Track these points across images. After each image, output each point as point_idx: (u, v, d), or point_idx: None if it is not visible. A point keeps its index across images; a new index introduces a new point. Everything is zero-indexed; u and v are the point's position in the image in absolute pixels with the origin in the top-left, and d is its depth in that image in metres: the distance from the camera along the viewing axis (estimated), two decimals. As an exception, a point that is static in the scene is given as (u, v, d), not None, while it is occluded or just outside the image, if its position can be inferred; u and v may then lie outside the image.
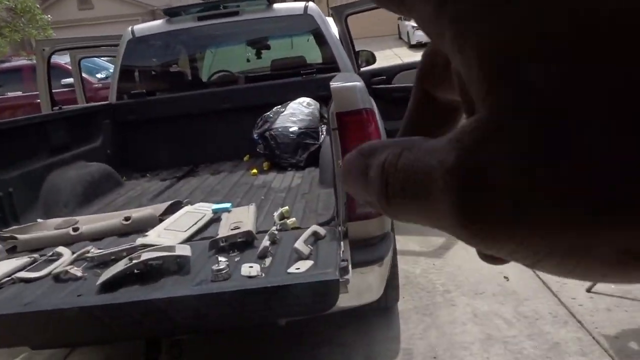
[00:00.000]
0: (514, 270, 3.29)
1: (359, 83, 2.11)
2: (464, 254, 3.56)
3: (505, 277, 3.21)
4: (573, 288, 3.00)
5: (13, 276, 2.00)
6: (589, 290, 2.96)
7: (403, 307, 2.99)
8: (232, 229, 2.12)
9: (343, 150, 2.04)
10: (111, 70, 10.15)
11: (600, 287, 2.94)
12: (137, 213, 2.48)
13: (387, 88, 4.21)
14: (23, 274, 2.01)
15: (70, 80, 8.16)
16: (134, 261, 1.84)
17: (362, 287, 2.03)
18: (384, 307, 2.85)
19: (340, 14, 4.32)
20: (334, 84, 2.07)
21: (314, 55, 4.31)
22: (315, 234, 2.01)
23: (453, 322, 2.80)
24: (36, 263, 2.13)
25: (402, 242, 3.86)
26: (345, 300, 1.79)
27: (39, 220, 2.65)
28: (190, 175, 3.63)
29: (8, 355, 2.93)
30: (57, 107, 4.46)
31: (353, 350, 2.65)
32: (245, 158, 3.91)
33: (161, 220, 2.43)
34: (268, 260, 1.86)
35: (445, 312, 2.91)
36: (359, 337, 2.74)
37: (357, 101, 2.04)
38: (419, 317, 2.89)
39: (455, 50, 0.16)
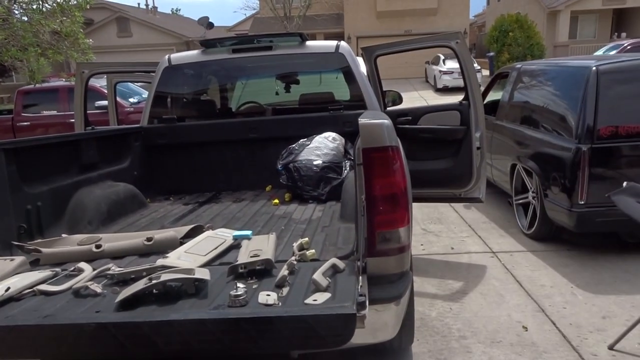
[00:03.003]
0: (533, 320, 3.21)
1: (386, 121, 2.14)
2: (481, 301, 3.49)
3: (524, 327, 3.12)
4: (594, 344, 2.91)
5: (34, 288, 2.03)
6: (611, 348, 2.86)
7: (417, 350, 2.92)
8: (251, 256, 2.13)
9: (367, 186, 2.05)
10: (143, 95, 10.49)
11: (623, 345, 2.84)
12: (159, 234, 2.51)
13: (413, 128, 4.24)
14: (44, 287, 2.04)
15: (103, 102, 8.44)
16: (154, 281, 1.86)
17: (377, 325, 2.00)
18: (397, 348, 2.79)
19: (370, 54, 4.41)
20: (362, 120, 2.10)
21: (341, 92, 4.38)
22: (334, 266, 2.00)
23: (468, 370, 2.73)
24: (57, 277, 2.16)
25: (419, 283, 3.81)
26: (359, 337, 1.76)
27: (63, 235, 2.70)
28: (212, 201, 3.68)
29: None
30: (89, 128, 4.60)
31: (364, 390, 2.59)
32: (267, 188, 3.96)
33: (182, 243, 2.45)
34: (285, 290, 1.86)
35: (459, 359, 2.84)
36: (370, 377, 2.68)
37: (384, 138, 2.06)
38: (433, 361, 2.82)
39: None
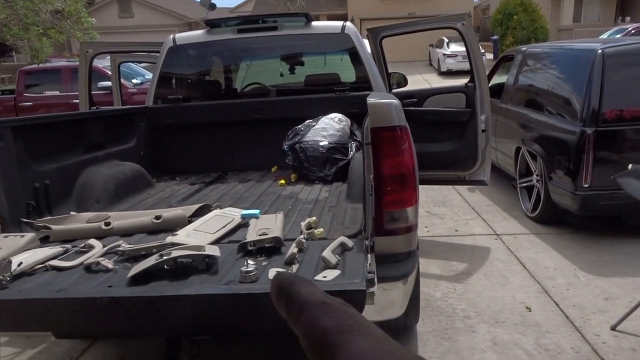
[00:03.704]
0: (537, 301, 3.24)
1: (395, 101, 2.14)
2: (485, 282, 3.52)
3: (527, 308, 3.16)
4: (597, 325, 2.94)
5: (46, 264, 2.05)
6: (613, 328, 2.89)
7: (422, 329, 2.96)
8: (260, 235, 2.14)
9: (375, 165, 2.06)
10: (146, 77, 10.44)
11: (625, 326, 2.88)
12: (167, 213, 2.52)
13: (418, 110, 4.23)
14: (55, 263, 2.05)
15: (106, 83, 8.40)
16: (165, 257, 1.87)
17: (384, 303, 2.03)
18: (402, 327, 2.83)
19: (375, 36, 4.38)
20: (370, 100, 2.09)
21: (345, 74, 4.37)
22: (342, 244, 2.02)
23: (472, 349, 2.76)
24: (68, 253, 2.18)
25: (424, 264, 3.84)
26: (367, 314, 1.77)
27: (72, 213, 2.72)
28: (218, 182, 3.69)
29: (28, 345, 2.99)
30: (94, 108, 4.59)
31: (369, 367, 2.62)
32: (273, 169, 3.96)
33: (190, 222, 2.47)
34: (295, 267, 1.87)
35: (464, 338, 2.87)
36: (375, 355, 2.71)
37: (393, 118, 2.06)
38: (438, 340, 2.86)
39: None
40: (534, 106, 4.94)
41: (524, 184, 5.02)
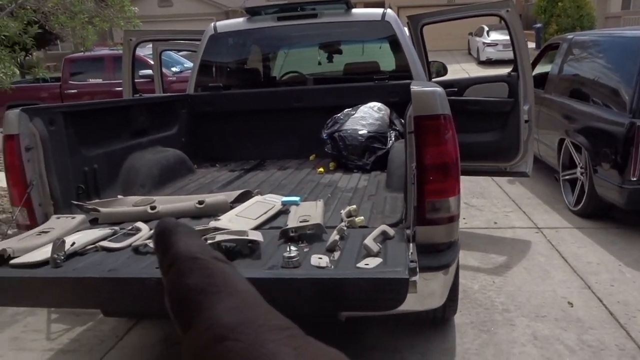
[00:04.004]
0: (579, 297, 3.16)
1: (439, 89, 2.11)
2: (525, 276, 3.46)
3: (569, 303, 3.09)
4: (643, 322, 2.85)
5: (96, 244, 2.13)
6: (660, 327, 2.80)
7: (459, 321, 2.94)
8: (301, 221, 2.16)
9: (418, 154, 2.04)
10: (185, 65, 10.61)
11: (673, 324, 2.78)
12: (210, 198, 2.58)
13: (459, 100, 4.15)
14: (105, 244, 2.13)
15: (147, 71, 8.57)
16: (209, 242, 1.92)
17: (425, 293, 2.02)
18: (440, 318, 2.82)
19: (416, 23, 4.32)
20: (414, 88, 2.07)
21: (384, 62, 4.33)
22: (384, 233, 2.02)
23: (512, 342, 2.72)
24: (117, 235, 2.26)
25: (461, 256, 3.75)
26: (408, 303, 1.78)
27: (119, 196, 2.81)
28: (257, 169, 3.73)
29: (77, 322, 3.11)
30: (137, 95, 4.70)
31: (406, 357, 2.63)
32: (311, 157, 3.98)
33: (232, 207, 2.51)
34: (337, 254, 1.89)
35: (503, 331, 2.84)
36: (413, 345, 2.71)
37: (437, 106, 2.04)
38: (476, 332, 2.83)
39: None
40: (580, 96, 4.78)
41: (567, 177, 4.88)
